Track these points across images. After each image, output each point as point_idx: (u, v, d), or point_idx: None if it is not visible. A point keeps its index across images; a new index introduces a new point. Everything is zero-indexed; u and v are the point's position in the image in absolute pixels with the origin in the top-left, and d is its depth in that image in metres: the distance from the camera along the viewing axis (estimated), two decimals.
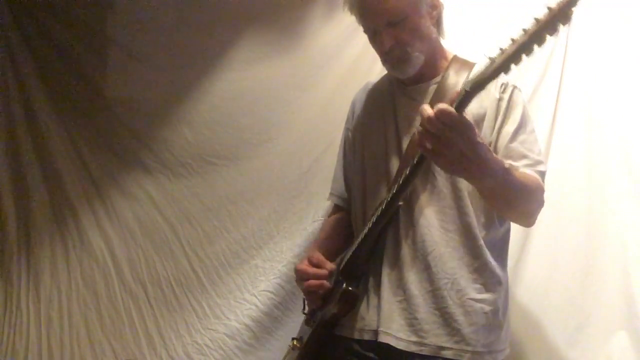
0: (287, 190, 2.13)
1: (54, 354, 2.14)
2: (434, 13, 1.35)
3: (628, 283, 1.65)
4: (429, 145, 1.03)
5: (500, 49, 0.96)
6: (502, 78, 1.28)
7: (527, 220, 1.33)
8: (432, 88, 1.37)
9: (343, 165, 1.58)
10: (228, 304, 2.10)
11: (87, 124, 2.29)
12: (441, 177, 1.31)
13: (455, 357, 1.26)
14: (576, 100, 1.78)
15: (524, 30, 0.92)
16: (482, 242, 1.30)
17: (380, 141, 1.41)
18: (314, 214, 2.07)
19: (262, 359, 2.04)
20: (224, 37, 2.23)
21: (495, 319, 1.31)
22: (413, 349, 1.27)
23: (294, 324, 1.85)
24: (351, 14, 1.36)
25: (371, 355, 1.34)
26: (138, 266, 2.19)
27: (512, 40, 0.94)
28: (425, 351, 1.27)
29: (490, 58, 0.97)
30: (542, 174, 1.29)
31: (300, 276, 1.42)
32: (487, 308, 1.29)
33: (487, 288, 1.30)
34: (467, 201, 1.30)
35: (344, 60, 2.10)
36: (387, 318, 1.30)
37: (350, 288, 1.35)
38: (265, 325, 2.06)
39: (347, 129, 1.57)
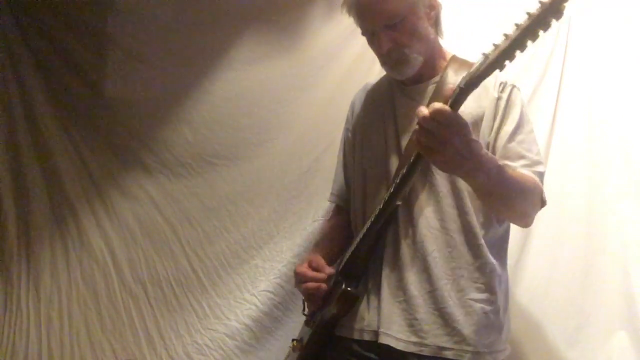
0: (287, 190, 2.13)
1: (54, 354, 2.14)
2: (432, 14, 1.35)
3: (628, 283, 1.66)
4: (424, 143, 1.03)
5: (494, 45, 0.96)
6: (501, 77, 1.29)
7: (523, 220, 1.33)
8: (431, 88, 1.37)
9: (343, 165, 1.58)
10: (228, 304, 2.10)
11: (87, 124, 2.28)
12: (440, 177, 1.31)
13: (456, 357, 1.26)
14: (576, 100, 1.78)
15: (517, 25, 0.92)
16: (482, 241, 1.30)
17: (379, 141, 1.41)
18: (314, 214, 2.06)
19: (262, 359, 2.04)
20: (224, 37, 2.23)
21: (496, 319, 1.31)
22: (413, 349, 1.27)
23: (294, 324, 1.85)
24: (349, 15, 1.37)
25: (371, 355, 1.34)
26: (138, 266, 2.18)
27: (505, 36, 0.94)
28: (425, 352, 1.27)
29: (484, 54, 0.98)
30: (541, 174, 1.29)
31: (299, 279, 1.42)
32: (487, 308, 1.29)
33: (487, 288, 1.30)
34: (467, 200, 1.30)
35: (344, 60, 2.10)
36: (387, 319, 1.30)
37: (349, 289, 1.35)
38: (265, 325, 2.06)
39: (346, 129, 1.57)
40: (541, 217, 1.34)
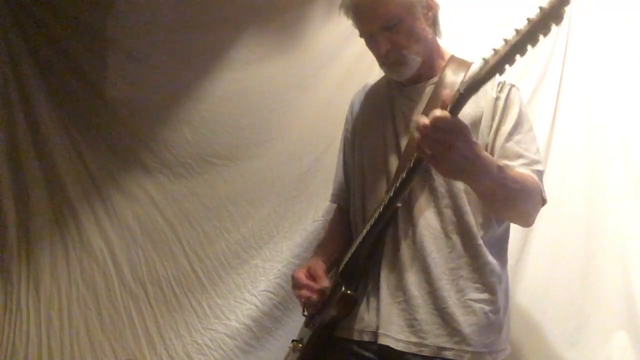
0: (287, 190, 2.13)
1: (54, 354, 2.14)
2: (429, 14, 1.35)
3: (628, 283, 1.66)
4: (428, 152, 1.03)
5: (494, 50, 0.96)
6: (499, 77, 1.28)
7: (526, 220, 1.33)
8: (430, 88, 1.37)
9: (343, 165, 1.58)
10: (228, 304, 2.10)
11: (87, 124, 2.29)
12: (438, 178, 1.31)
13: (456, 357, 1.26)
14: (576, 100, 1.78)
15: (517, 30, 0.92)
16: (481, 241, 1.30)
17: (379, 141, 1.41)
18: (314, 214, 2.06)
19: (262, 359, 2.04)
20: (224, 37, 2.23)
21: (496, 319, 1.31)
22: (413, 349, 1.27)
23: (294, 324, 1.85)
24: (347, 18, 1.37)
25: (371, 356, 1.34)
26: (138, 266, 2.19)
27: (505, 41, 0.94)
28: (425, 352, 1.27)
29: (483, 59, 0.97)
30: (540, 173, 1.29)
31: (294, 283, 1.45)
32: (487, 308, 1.29)
33: (486, 288, 1.30)
34: (465, 201, 1.30)
35: (344, 60, 2.10)
36: (386, 319, 1.30)
37: (348, 292, 1.35)
38: (265, 325, 2.06)
39: (346, 130, 1.57)
40: (541, 217, 1.33)
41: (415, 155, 1.18)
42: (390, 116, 1.41)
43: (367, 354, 1.34)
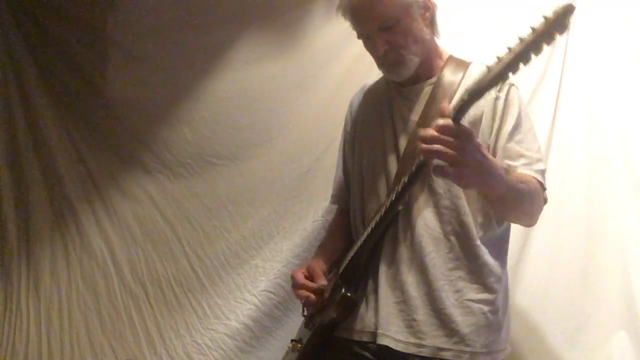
0: (287, 190, 2.13)
1: (54, 354, 2.14)
2: (427, 14, 1.35)
3: (628, 283, 1.66)
4: (449, 164, 1.02)
5: (497, 58, 0.96)
6: None
7: (529, 220, 1.33)
8: (428, 88, 1.37)
9: (343, 166, 1.58)
10: (228, 304, 2.10)
11: (87, 124, 2.29)
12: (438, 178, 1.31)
13: (454, 357, 1.27)
14: (576, 100, 1.78)
15: (520, 39, 0.92)
16: (479, 242, 1.30)
17: (377, 142, 1.41)
18: (314, 214, 2.06)
19: (262, 359, 2.04)
20: (224, 37, 2.22)
21: (495, 319, 1.31)
22: (412, 350, 1.28)
23: (294, 324, 1.85)
24: (345, 19, 1.37)
25: (371, 356, 1.34)
26: (138, 266, 2.18)
27: (509, 49, 0.94)
28: (424, 352, 1.27)
29: (487, 66, 0.97)
30: (542, 172, 1.29)
31: (292, 283, 1.46)
32: (485, 308, 1.29)
33: (485, 288, 1.30)
34: (464, 201, 1.30)
35: (343, 60, 2.09)
36: (385, 320, 1.31)
37: (348, 294, 1.35)
38: (265, 325, 2.06)
39: (345, 130, 1.58)
40: (541, 217, 1.33)
41: (417, 160, 1.17)
42: (389, 117, 1.41)
43: (366, 354, 1.34)
